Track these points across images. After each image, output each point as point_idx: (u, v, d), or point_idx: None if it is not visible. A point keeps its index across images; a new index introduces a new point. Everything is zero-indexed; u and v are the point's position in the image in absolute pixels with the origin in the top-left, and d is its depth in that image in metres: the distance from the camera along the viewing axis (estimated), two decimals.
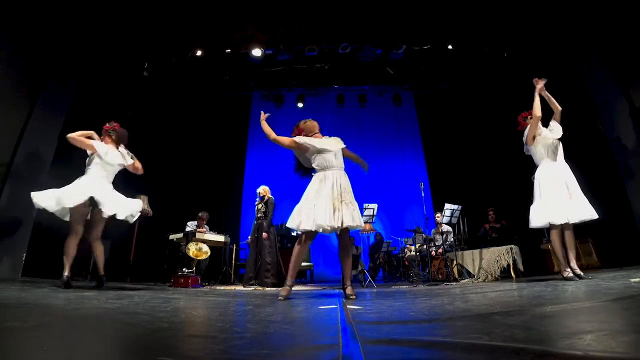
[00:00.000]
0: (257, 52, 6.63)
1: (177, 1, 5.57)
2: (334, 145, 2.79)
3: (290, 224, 2.63)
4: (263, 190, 5.43)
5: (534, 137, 3.28)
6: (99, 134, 3.41)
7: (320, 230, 2.55)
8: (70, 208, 3.00)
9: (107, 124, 3.45)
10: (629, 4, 4.26)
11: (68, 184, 3.15)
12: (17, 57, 4.26)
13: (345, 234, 2.65)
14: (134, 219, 3.32)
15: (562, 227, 3.10)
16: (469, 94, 8.16)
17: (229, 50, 6.76)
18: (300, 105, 8.89)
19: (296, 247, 2.65)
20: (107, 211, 3.08)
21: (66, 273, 2.96)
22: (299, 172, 2.98)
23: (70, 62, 5.03)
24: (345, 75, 8.33)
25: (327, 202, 2.56)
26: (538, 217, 3.16)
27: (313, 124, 2.93)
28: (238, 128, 9.05)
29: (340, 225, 2.52)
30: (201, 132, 8.33)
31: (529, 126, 3.34)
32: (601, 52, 4.80)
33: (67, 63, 4.98)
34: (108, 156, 3.26)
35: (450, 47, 6.71)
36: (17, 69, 4.28)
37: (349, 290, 2.56)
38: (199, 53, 6.62)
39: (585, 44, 5.06)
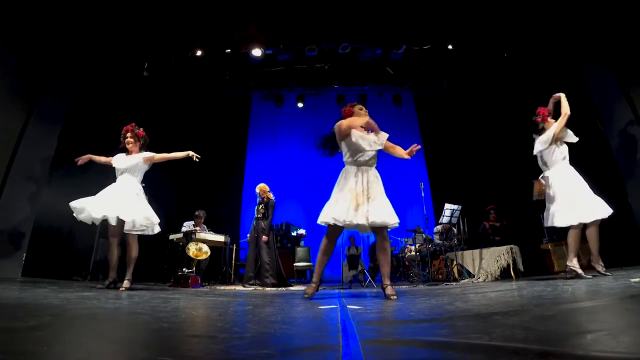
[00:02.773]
0: (257, 52, 6.63)
1: (177, 1, 5.57)
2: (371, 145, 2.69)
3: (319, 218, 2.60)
4: (260, 190, 5.37)
5: (557, 139, 3.25)
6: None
7: (344, 225, 2.48)
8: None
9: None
10: (629, 3, 4.26)
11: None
12: (17, 56, 4.26)
13: (380, 233, 2.53)
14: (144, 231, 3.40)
15: (585, 225, 3.11)
16: (469, 94, 8.16)
17: (229, 50, 6.76)
18: (300, 105, 8.88)
19: (322, 241, 2.66)
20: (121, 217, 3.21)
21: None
22: (325, 150, 2.85)
23: (71, 62, 5.03)
24: (345, 75, 8.32)
25: (350, 197, 2.49)
26: (565, 216, 3.10)
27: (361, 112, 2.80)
28: (238, 128, 9.05)
29: (365, 222, 2.42)
30: (201, 132, 8.32)
31: (555, 125, 3.25)
32: (601, 52, 4.80)
33: (68, 63, 4.98)
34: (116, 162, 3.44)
35: (450, 47, 6.70)
36: (18, 66, 4.28)
37: (388, 290, 2.44)
38: (199, 53, 6.62)
39: (586, 44, 5.06)
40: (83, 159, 3.50)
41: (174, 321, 1.38)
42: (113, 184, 3.40)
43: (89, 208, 3.14)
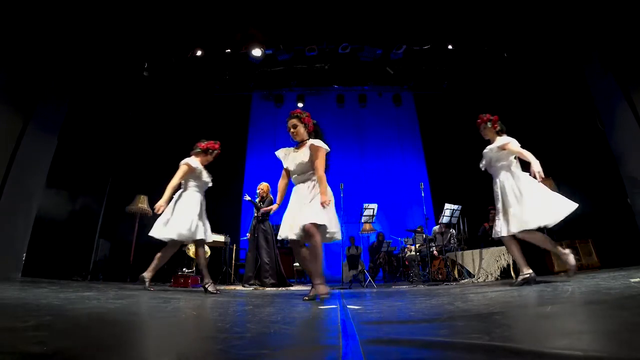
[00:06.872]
0: (257, 52, 6.63)
1: (177, 1, 5.57)
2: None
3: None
4: (261, 189, 5.38)
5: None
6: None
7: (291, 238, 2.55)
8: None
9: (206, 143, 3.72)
10: (630, 5, 4.26)
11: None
12: (17, 55, 4.26)
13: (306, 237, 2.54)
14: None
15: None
16: (469, 94, 8.16)
17: (229, 50, 6.76)
18: (300, 105, 8.88)
19: None
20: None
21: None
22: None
23: (71, 62, 5.03)
24: (345, 75, 8.33)
25: (286, 215, 2.63)
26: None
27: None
28: (238, 128, 9.05)
29: (294, 237, 2.50)
30: (201, 132, 8.30)
31: (510, 146, 3.26)
32: (602, 53, 4.79)
33: (67, 63, 4.97)
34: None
35: (450, 47, 6.70)
36: (18, 66, 4.28)
37: (319, 290, 2.40)
38: (199, 53, 6.61)
39: (587, 44, 5.05)
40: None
41: (174, 321, 1.38)
42: (200, 201, 3.70)
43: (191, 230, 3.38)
